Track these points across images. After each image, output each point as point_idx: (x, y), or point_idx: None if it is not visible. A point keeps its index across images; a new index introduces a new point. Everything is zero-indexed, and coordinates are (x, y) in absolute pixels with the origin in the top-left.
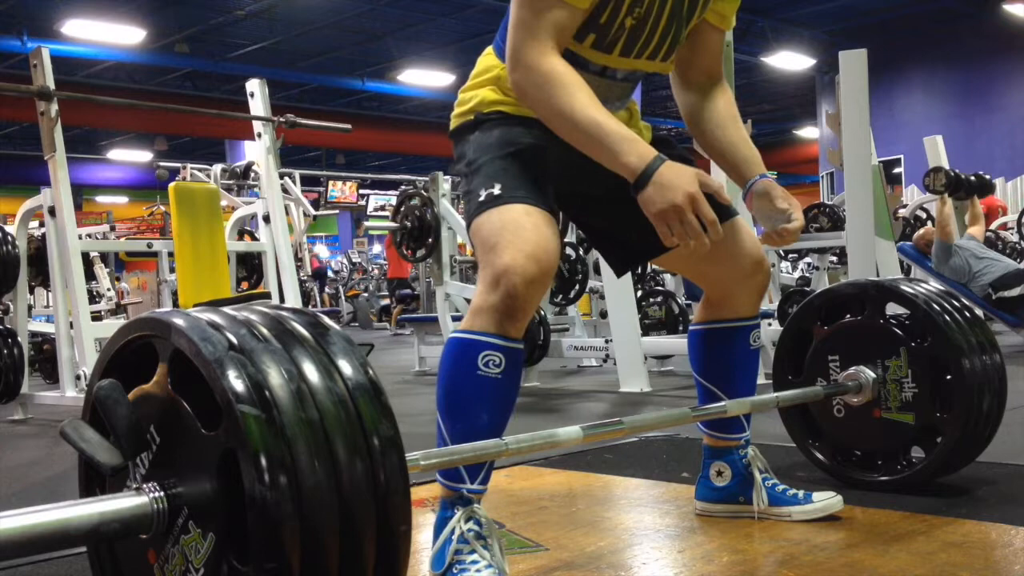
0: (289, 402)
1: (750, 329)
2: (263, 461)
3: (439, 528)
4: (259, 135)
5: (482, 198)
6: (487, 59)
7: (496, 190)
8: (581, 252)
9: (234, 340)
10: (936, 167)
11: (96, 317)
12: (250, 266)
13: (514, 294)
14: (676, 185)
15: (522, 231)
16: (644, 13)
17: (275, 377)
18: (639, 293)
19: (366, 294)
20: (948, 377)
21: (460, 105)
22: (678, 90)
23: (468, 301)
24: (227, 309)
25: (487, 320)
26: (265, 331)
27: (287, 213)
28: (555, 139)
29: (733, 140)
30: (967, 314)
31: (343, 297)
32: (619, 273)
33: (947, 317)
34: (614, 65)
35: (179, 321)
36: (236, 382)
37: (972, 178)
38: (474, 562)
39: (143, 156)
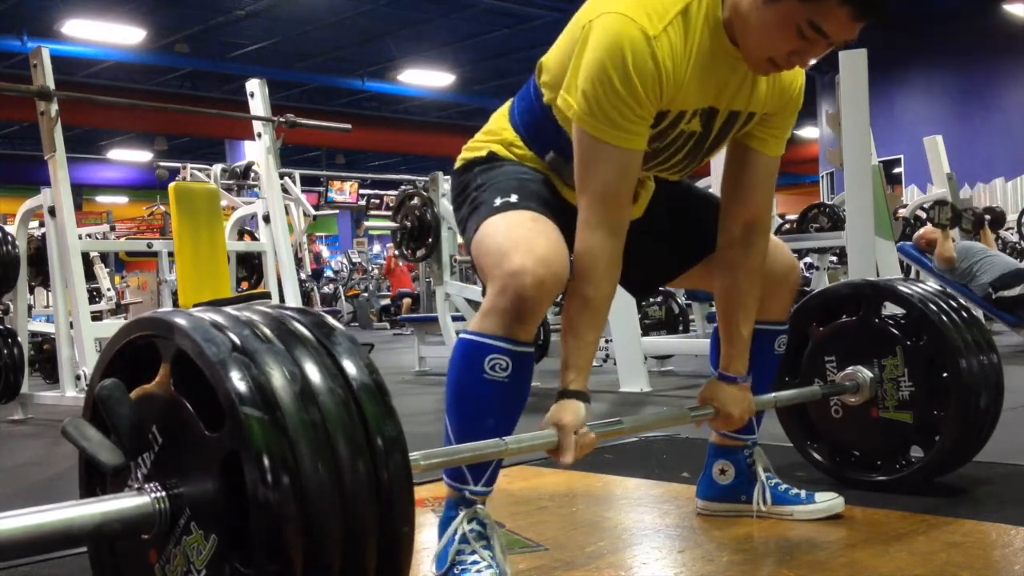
0: (292, 404)
1: (776, 334)
2: (266, 463)
3: (443, 528)
4: (259, 135)
5: (496, 204)
6: (501, 120)
7: (513, 198)
8: None
9: (237, 341)
10: (941, 201)
11: (96, 317)
12: (250, 266)
13: (524, 296)
14: (550, 419)
15: (533, 236)
16: (664, 147)
17: (278, 379)
18: None
19: (366, 294)
20: (945, 376)
21: (469, 150)
22: (720, 231)
23: (468, 301)
24: (230, 309)
25: (496, 323)
26: (268, 332)
27: (287, 213)
28: (557, 180)
29: (737, 323)
30: (963, 313)
31: (343, 297)
32: (638, 297)
33: (943, 316)
34: None
35: (182, 321)
36: (240, 384)
37: (980, 209)
38: (475, 563)
39: (143, 156)
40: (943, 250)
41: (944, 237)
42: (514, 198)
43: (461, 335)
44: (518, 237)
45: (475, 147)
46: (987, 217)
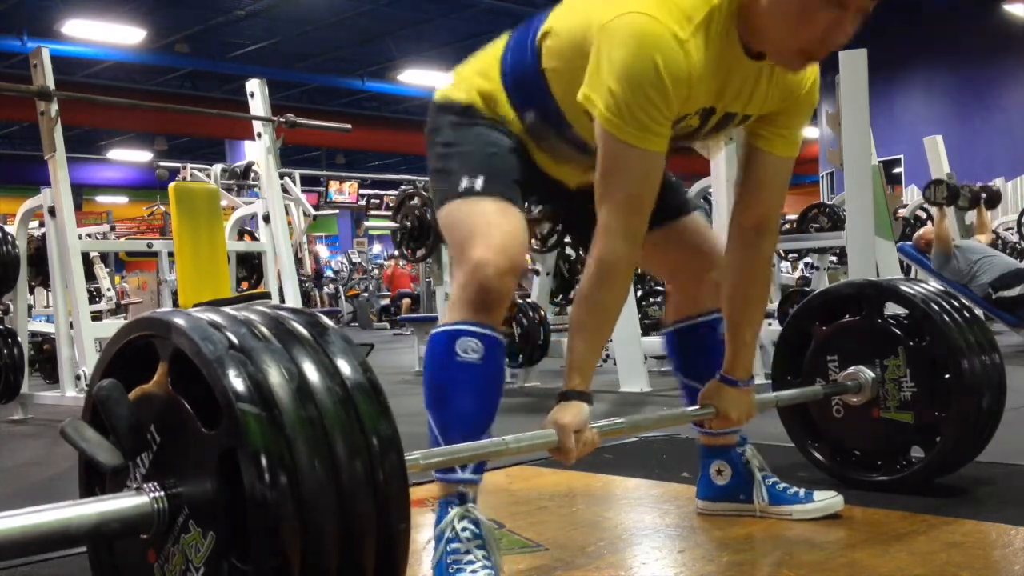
0: (289, 401)
1: (717, 321)
2: (263, 460)
3: (437, 526)
4: (259, 135)
5: (462, 187)
6: (492, 63)
7: (478, 184)
8: (582, 252)
9: (234, 339)
10: (937, 179)
11: (96, 317)
12: (250, 266)
13: (487, 286)
14: (552, 419)
15: (492, 226)
16: (690, 126)
17: (275, 376)
18: (639, 293)
19: (366, 294)
20: (947, 376)
21: (457, 80)
22: (729, 230)
23: None
24: (227, 309)
25: (463, 312)
26: (265, 330)
27: (287, 213)
28: (531, 142)
29: (740, 325)
30: (965, 314)
31: (343, 297)
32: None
33: (945, 317)
34: None
35: (180, 321)
36: (236, 381)
37: (976, 187)
38: (470, 562)
39: (143, 156)
40: (940, 230)
41: (941, 216)
42: (479, 183)
43: (432, 332)
44: (479, 229)
45: (459, 85)
46: (983, 195)
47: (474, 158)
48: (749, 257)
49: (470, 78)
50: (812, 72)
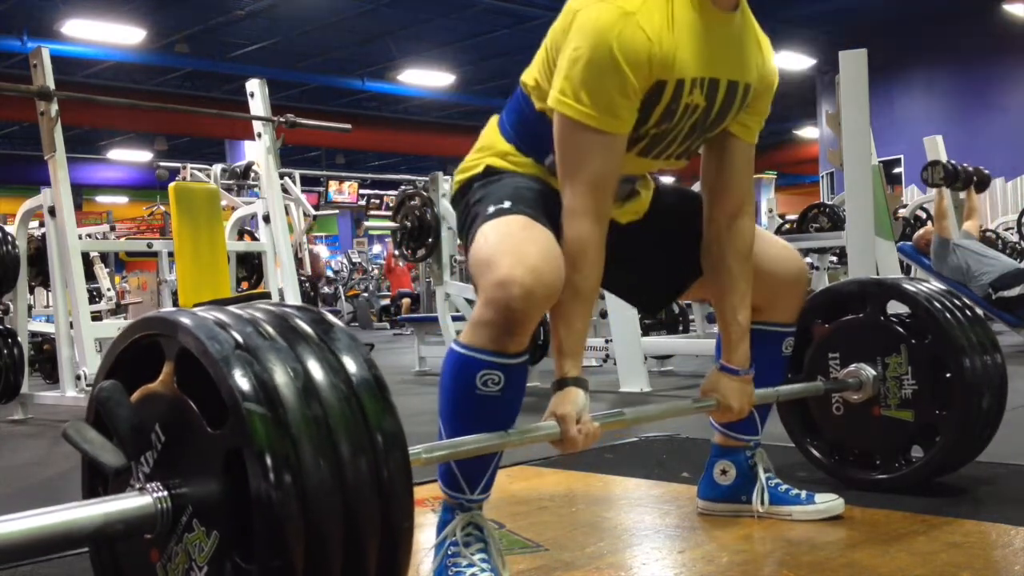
0: (295, 400)
1: (784, 336)
2: (268, 459)
3: (440, 530)
4: (259, 135)
5: (490, 211)
6: (492, 134)
7: (506, 204)
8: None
9: (240, 339)
10: (934, 160)
11: (96, 317)
12: (250, 266)
13: (512, 307)
14: (552, 411)
15: (522, 244)
16: (672, 126)
17: (281, 375)
18: None
19: (366, 294)
20: (948, 375)
21: (463, 171)
22: (706, 225)
23: (468, 301)
24: (232, 308)
25: (485, 336)
26: (271, 329)
27: (287, 213)
28: (555, 180)
29: (733, 308)
30: (968, 313)
31: (343, 297)
32: (652, 313)
33: (948, 315)
34: (630, 167)
35: (186, 320)
36: (242, 380)
37: (970, 169)
38: (470, 565)
39: (143, 156)
40: (939, 209)
41: (940, 197)
42: (507, 204)
43: (452, 344)
44: (507, 246)
45: (470, 166)
46: (974, 178)
47: (502, 191)
48: (730, 242)
49: (476, 157)
50: (771, 57)
